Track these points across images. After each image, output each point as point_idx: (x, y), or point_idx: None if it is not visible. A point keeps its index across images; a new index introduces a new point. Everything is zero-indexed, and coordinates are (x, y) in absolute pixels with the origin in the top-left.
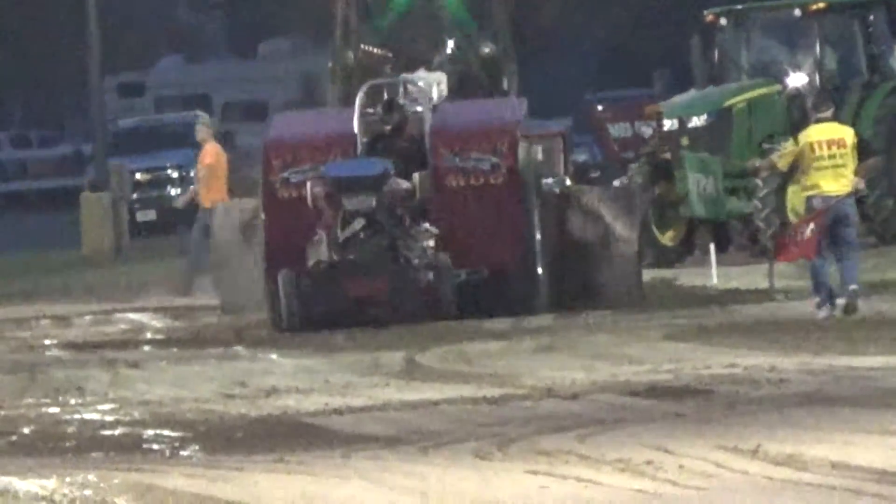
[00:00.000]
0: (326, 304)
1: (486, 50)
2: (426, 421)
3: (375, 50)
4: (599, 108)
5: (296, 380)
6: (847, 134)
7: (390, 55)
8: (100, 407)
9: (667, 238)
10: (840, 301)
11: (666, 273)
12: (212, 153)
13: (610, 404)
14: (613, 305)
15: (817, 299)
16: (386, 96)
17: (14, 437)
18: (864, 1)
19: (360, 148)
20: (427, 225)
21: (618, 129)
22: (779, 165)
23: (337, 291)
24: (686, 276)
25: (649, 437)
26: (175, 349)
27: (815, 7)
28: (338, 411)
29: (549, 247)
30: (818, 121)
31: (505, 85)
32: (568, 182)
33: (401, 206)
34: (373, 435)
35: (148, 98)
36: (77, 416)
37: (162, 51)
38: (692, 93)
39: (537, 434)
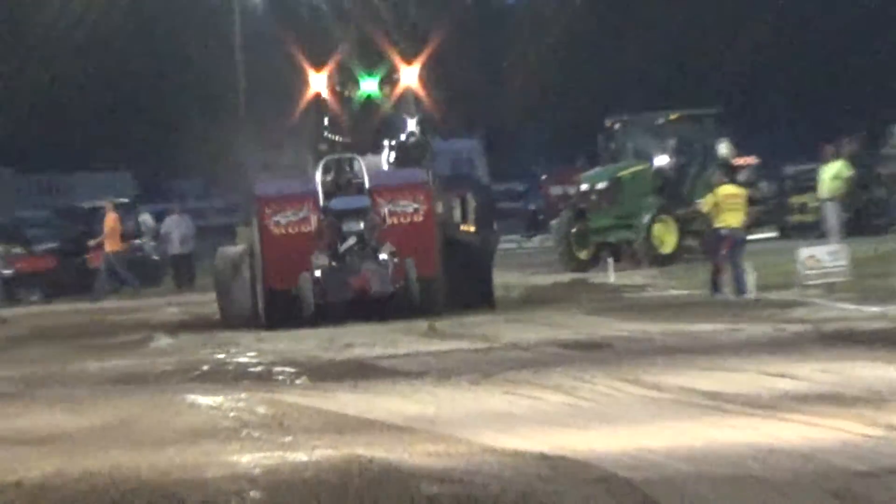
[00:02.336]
0: (336, 294)
1: (412, 139)
2: (440, 362)
3: (337, 138)
4: (543, 177)
5: (363, 338)
6: (741, 191)
7: (349, 141)
8: (248, 354)
9: (582, 255)
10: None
11: (582, 276)
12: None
13: (551, 353)
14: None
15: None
16: (336, 168)
17: (197, 372)
18: (701, 114)
19: (321, 201)
20: (388, 243)
21: (554, 190)
22: (704, 210)
23: (343, 285)
24: (595, 278)
25: (573, 371)
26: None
27: (671, 118)
28: (388, 357)
29: (447, 264)
30: (723, 184)
31: (426, 161)
32: (462, 227)
33: (376, 230)
34: (409, 370)
35: None
36: (234, 360)
37: None
38: (598, 168)
39: (507, 370)
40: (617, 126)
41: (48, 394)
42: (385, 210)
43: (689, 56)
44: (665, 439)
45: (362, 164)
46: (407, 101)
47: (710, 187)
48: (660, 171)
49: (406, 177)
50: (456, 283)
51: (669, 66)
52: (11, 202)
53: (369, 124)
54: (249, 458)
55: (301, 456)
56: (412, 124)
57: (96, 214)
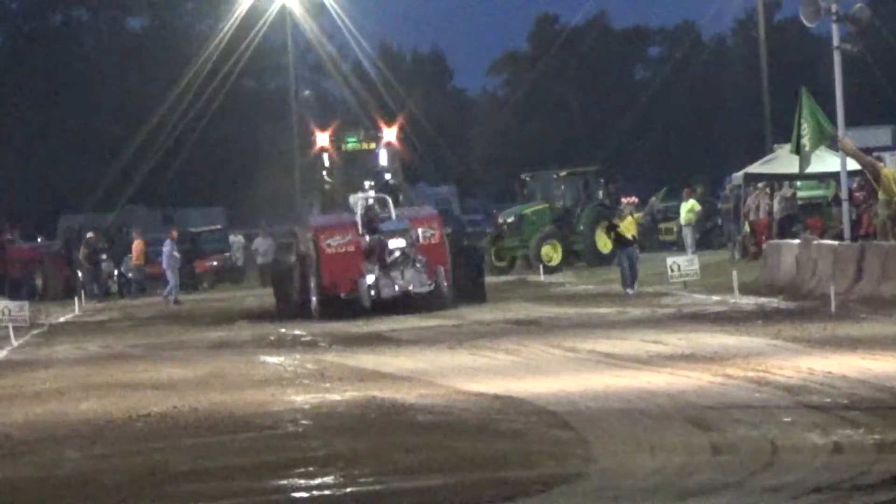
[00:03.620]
0: (387, 292)
1: (392, 181)
2: (428, 334)
3: (328, 181)
4: (494, 211)
5: (379, 319)
6: (633, 219)
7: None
8: (300, 330)
9: (501, 264)
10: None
11: (522, 276)
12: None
13: (501, 327)
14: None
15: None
16: (366, 203)
17: (266, 341)
18: (583, 171)
19: (360, 228)
20: (421, 256)
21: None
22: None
23: (392, 285)
24: (531, 278)
25: (516, 339)
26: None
27: (562, 174)
28: (394, 330)
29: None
30: (624, 217)
31: (401, 199)
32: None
33: (415, 245)
34: (408, 339)
35: None
36: (291, 333)
37: None
38: (513, 207)
39: (472, 339)
40: (527, 178)
41: (166, 355)
42: (419, 232)
43: (592, 128)
44: (578, 385)
45: (390, 202)
46: (389, 154)
47: (591, 220)
48: (555, 209)
49: (424, 211)
50: (461, 281)
51: (578, 136)
52: (143, 228)
53: (355, 172)
54: (301, 398)
55: (336, 396)
56: (390, 174)
57: (201, 237)
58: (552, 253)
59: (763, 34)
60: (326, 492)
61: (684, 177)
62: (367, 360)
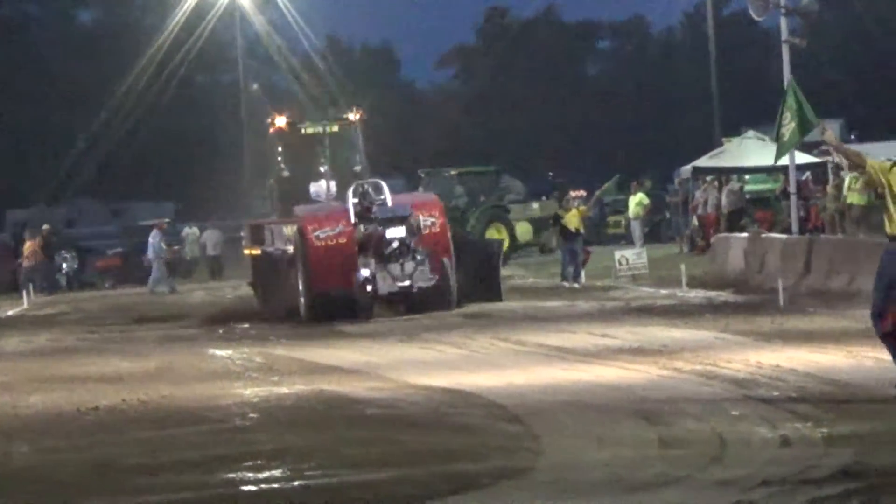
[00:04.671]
0: (385, 289)
1: (357, 168)
2: (380, 328)
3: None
4: None
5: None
6: (577, 212)
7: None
8: (249, 324)
9: None
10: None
11: None
12: None
13: (450, 321)
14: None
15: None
16: (360, 191)
17: (215, 334)
18: (480, 170)
19: (352, 217)
20: (422, 246)
21: None
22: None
23: (391, 281)
24: None
25: (467, 332)
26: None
27: (453, 172)
28: (348, 324)
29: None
30: (568, 210)
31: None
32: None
33: (416, 234)
34: (361, 333)
35: None
36: (240, 327)
37: None
38: None
39: (422, 332)
40: (423, 175)
41: (115, 348)
42: (419, 219)
43: (542, 123)
44: (526, 377)
45: (385, 187)
46: (354, 139)
47: (482, 220)
48: (449, 209)
49: (423, 197)
50: (471, 276)
51: (527, 130)
52: (90, 221)
53: (316, 158)
54: (250, 392)
55: (284, 389)
56: (356, 160)
57: (148, 231)
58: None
59: (711, 28)
60: (275, 485)
61: (633, 170)
62: (316, 353)
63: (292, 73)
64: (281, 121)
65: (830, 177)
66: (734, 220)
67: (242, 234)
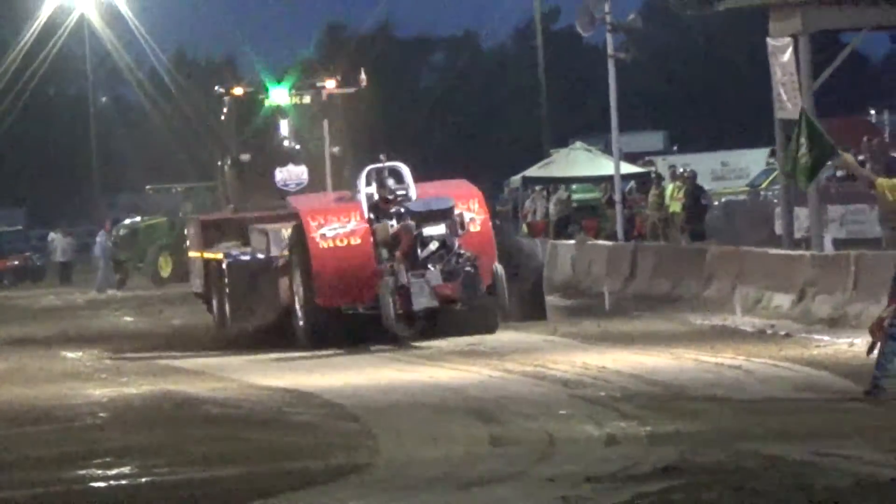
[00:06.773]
0: (421, 302)
1: (335, 150)
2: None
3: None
4: None
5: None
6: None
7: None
8: (101, 325)
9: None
10: None
11: None
12: None
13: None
14: None
15: None
16: (377, 177)
17: (66, 336)
18: (203, 186)
19: (365, 211)
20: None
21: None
22: None
23: (429, 292)
24: None
25: (436, 351)
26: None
27: (181, 189)
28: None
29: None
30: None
31: (346, 174)
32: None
33: (459, 234)
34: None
35: None
36: (92, 329)
37: None
38: (127, 221)
39: (395, 350)
40: (150, 190)
41: None
42: (462, 214)
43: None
44: (365, 379)
45: (407, 173)
46: (330, 112)
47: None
48: (173, 222)
49: (457, 185)
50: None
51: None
52: None
53: (281, 136)
54: (99, 392)
55: (132, 390)
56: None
57: (2, 237)
58: (164, 265)
59: (540, 43)
60: (123, 482)
61: (465, 179)
62: (164, 355)
63: (139, 86)
64: (238, 91)
65: (653, 187)
66: (562, 228)
67: (186, 232)
